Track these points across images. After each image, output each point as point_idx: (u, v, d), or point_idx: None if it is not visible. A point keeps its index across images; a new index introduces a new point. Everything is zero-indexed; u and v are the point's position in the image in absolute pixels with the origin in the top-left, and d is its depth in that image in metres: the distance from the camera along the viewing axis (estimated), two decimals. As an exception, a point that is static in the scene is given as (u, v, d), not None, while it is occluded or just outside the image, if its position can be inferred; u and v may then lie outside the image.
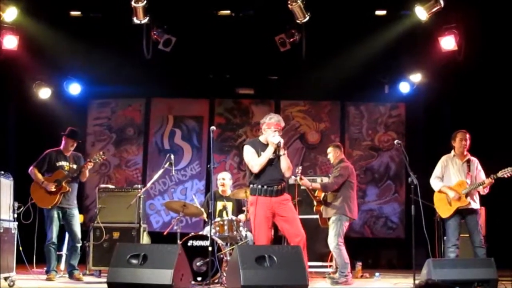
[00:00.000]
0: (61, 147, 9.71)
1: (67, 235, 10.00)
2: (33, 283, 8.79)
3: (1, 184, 8.26)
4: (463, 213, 8.90)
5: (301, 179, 9.12)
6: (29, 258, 9.26)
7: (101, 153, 9.95)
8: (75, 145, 9.83)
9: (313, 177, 11.05)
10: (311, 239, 9.91)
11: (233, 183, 10.67)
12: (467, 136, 9.07)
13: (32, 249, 9.47)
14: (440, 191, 9.06)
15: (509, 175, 8.50)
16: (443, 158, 9.22)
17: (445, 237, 9.29)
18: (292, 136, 14.29)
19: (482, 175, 8.93)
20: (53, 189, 9.30)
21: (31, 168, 9.49)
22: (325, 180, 10.29)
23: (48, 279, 9.20)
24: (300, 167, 9.19)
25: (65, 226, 9.63)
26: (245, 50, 12.32)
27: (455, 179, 8.98)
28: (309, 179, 10.02)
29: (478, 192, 8.93)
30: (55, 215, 9.40)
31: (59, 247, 9.95)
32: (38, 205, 9.42)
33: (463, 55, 11.06)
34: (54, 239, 9.39)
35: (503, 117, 11.96)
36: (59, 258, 10.20)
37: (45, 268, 9.45)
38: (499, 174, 8.57)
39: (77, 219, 9.68)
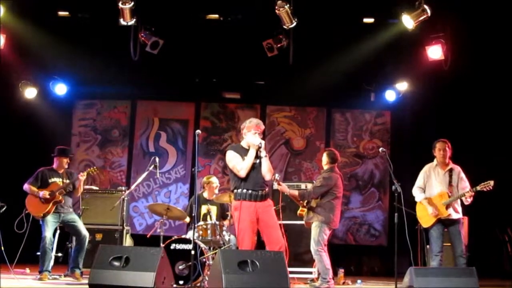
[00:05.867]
0: (54, 166, 9.77)
1: (56, 237, 9.95)
2: (14, 282, 8.75)
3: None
4: (445, 223, 8.95)
5: (279, 184, 9.13)
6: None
7: (95, 167, 10.02)
8: (68, 161, 9.93)
9: (298, 183, 11.07)
10: (295, 244, 9.95)
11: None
12: (446, 145, 9.11)
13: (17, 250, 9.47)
14: (420, 203, 9.12)
15: (488, 189, 8.55)
16: (425, 167, 9.27)
17: (427, 246, 9.32)
18: (277, 141, 14.30)
19: (464, 184, 8.98)
20: (47, 196, 9.38)
21: (25, 185, 9.59)
22: (309, 186, 10.32)
23: (40, 279, 9.23)
24: (278, 175, 9.18)
25: (71, 232, 9.73)
26: (232, 54, 12.33)
27: (437, 189, 9.03)
28: (293, 185, 10.04)
29: (461, 201, 8.97)
30: (50, 219, 9.48)
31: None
32: (32, 214, 9.49)
33: (449, 65, 11.12)
34: (50, 240, 9.43)
35: (488, 125, 12.04)
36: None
37: (39, 268, 9.45)
38: (479, 187, 8.63)
39: (80, 221, 9.72)
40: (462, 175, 9.08)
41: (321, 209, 9.18)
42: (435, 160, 9.20)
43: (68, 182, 9.64)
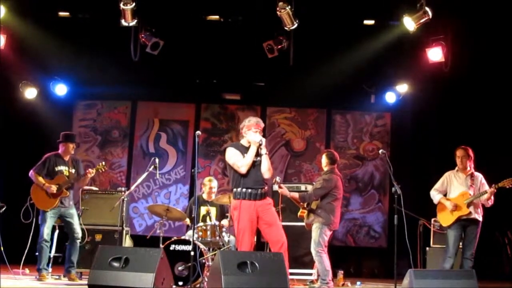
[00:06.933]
0: (60, 151, 9.73)
1: (55, 237, 9.95)
2: (14, 282, 8.75)
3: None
4: (465, 223, 8.94)
5: (280, 187, 9.13)
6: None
7: (103, 163, 10.01)
8: (75, 147, 9.94)
9: (297, 184, 11.05)
10: (295, 246, 9.92)
11: (217, 188, 10.64)
12: (466, 152, 9.08)
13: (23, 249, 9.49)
14: (439, 203, 9.12)
15: (511, 185, 8.53)
16: (447, 173, 9.27)
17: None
18: (277, 143, 14.30)
19: (485, 188, 8.93)
20: (55, 191, 9.35)
21: (31, 172, 9.56)
22: (309, 187, 10.30)
23: (39, 279, 9.24)
24: (279, 177, 9.19)
25: (65, 226, 9.70)
26: (233, 55, 12.32)
27: (459, 190, 9.04)
28: (293, 187, 10.02)
29: (483, 205, 8.97)
30: (50, 215, 9.46)
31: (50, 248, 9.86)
32: (37, 206, 9.49)
33: (450, 67, 11.12)
34: (47, 237, 9.42)
35: (488, 127, 12.03)
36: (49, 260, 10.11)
37: (36, 266, 9.46)
38: (501, 184, 8.62)
39: (76, 218, 9.71)
40: (484, 181, 9.06)
41: (321, 210, 9.17)
42: (456, 166, 9.20)
43: (73, 173, 9.66)
